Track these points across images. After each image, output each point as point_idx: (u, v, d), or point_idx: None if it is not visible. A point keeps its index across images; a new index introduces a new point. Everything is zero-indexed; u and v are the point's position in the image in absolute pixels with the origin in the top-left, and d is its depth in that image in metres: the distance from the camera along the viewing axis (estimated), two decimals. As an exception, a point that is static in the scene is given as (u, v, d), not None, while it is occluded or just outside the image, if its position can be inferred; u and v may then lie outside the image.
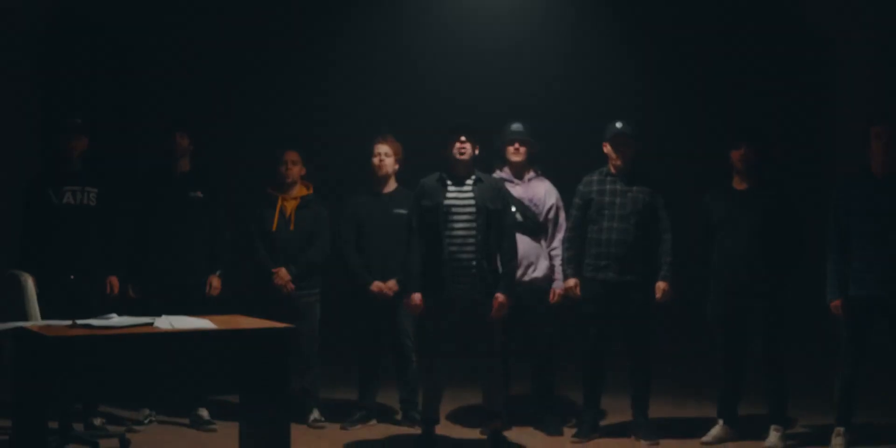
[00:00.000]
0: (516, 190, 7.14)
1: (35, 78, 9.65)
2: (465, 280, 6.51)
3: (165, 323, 5.65)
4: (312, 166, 7.39)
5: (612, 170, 6.94)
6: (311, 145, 7.90)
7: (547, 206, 7.17)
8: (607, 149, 6.95)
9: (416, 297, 6.53)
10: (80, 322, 5.58)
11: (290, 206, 7.27)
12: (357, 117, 9.60)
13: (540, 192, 7.19)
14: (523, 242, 6.99)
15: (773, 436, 6.72)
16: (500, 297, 6.54)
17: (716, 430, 6.84)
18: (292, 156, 7.29)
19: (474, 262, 6.51)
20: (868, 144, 6.62)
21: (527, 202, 7.13)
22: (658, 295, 6.81)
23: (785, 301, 6.72)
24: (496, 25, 10.15)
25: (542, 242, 7.16)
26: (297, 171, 7.28)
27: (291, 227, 7.24)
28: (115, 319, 5.65)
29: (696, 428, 7.00)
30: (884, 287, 6.51)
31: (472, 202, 6.55)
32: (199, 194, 7.21)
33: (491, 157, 7.20)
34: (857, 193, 6.63)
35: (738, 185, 6.86)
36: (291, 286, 7.17)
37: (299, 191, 7.31)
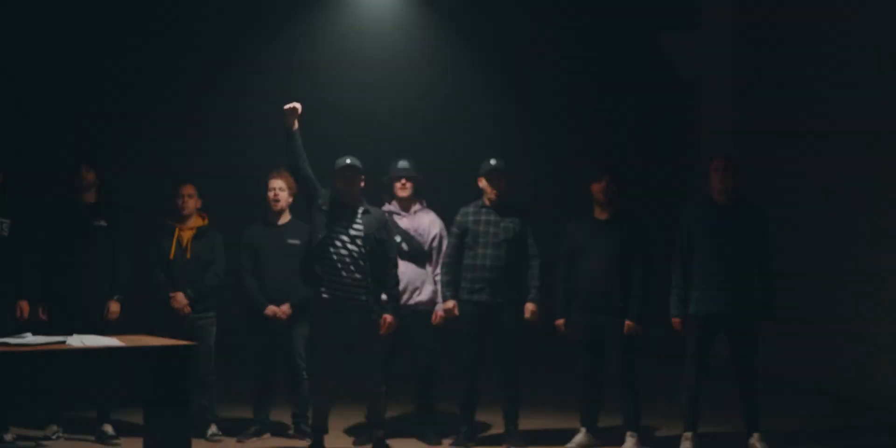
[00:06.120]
0: (403, 221, 7.53)
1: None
2: (353, 303, 6.91)
3: (77, 341, 5.96)
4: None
5: (487, 202, 7.37)
6: (207, 178, 8.09)
7: (431, 236, 7.55)
8: (483, 183, 7.38)
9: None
10: (-4, 341, 5.95)
11: (187, 235, 7.52)
12: (251, 153, 9.96)
13: (425, 222, 7.57)
14: (409, 269, 7.40)
15: (629, 441, 7.12)
16: (388, 317, 6.98)
17: (579, 438, 7.26)
18: (188, 189, 7.54)
19: (362, 288, 6.92)
20: (709, 176, 7.14)
21: (412, 232, 7.50)
22: (527, 315, 7.28)
23: (638, 318, 7.11)
24: (380, 72, 10.72)
25: (427, 268, 7.54)
26: (192, 203, 7.54)
27: (188, 256, 7.50)
28: (30, 338, 5.95)
29: (561, 436, 7.38)
30: (723, 303, 6.95)
31: (361, 232, 6.97)
32: (103, 223, 7.44)
33: (378, 191, 7.59)
34: (700, 219, 7.10)
35: (599, 214, 7.27)
36: (188, 309, 7.44)
37: (195, 221, 7.56)
